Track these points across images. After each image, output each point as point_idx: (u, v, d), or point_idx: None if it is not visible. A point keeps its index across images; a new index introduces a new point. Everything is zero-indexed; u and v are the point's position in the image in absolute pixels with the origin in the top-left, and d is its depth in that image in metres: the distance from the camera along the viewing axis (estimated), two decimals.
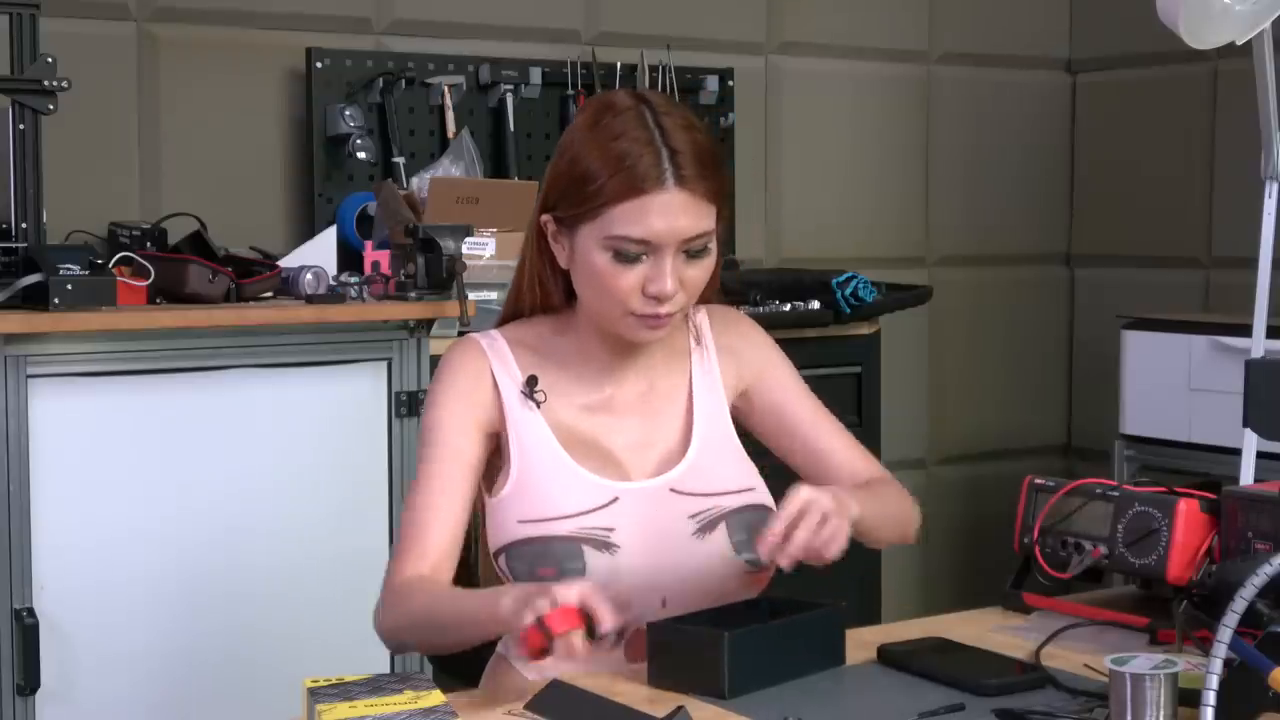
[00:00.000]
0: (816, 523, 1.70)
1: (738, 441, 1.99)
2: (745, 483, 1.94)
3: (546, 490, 1.87)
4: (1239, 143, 3.98)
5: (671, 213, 1.80)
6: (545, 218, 1.89)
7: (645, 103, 1.85)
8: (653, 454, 1.93)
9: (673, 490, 1.90)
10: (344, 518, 3.02)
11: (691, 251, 1.83)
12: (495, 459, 1.93)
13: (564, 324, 1.95)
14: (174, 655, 2.86)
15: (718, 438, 1.97)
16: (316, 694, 1.53)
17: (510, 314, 2.00)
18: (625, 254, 1.81)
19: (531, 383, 1.91)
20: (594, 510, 1.86)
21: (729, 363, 2.01)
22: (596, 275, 1.83)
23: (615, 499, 1.87)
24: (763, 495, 1.95)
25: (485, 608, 1.71)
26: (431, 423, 1.91)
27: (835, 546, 1.71)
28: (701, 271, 1.86)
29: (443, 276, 3.04)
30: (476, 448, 1.90)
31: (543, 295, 1.95)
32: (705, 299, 1.97)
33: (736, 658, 1.65)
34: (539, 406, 1.91)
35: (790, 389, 2.04)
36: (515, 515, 1.87)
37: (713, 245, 1.86)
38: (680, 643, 1.70)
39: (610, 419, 1.93)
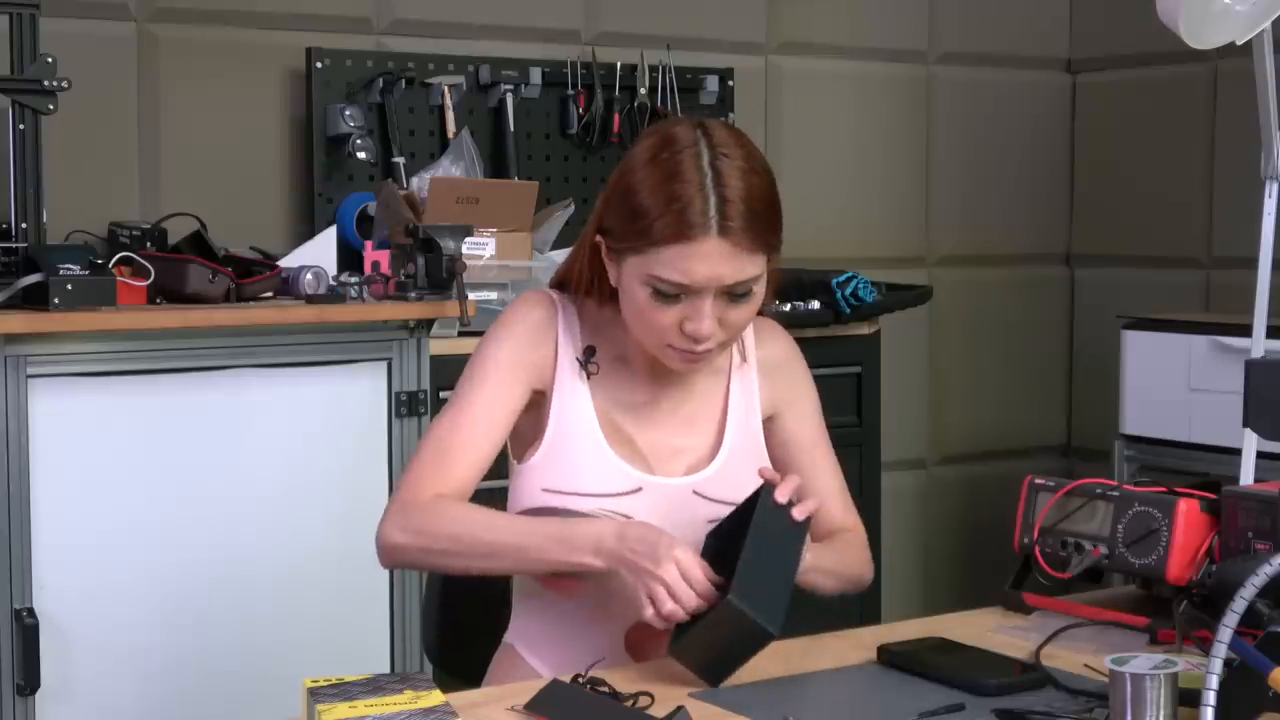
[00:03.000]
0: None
1: (767, 455, 2.00)
2: None
3: (575, 464, 1.89)
4: (1239, 143, 3.97)
5: (713, 261, 1.79)
6: (599, 238, 1.89)
7: (707, 139, 1.83)
8: (682, 459, 1.95)
9: (695, 493, 1.92)
10: (344, 518, 3.02)
11: (734, 294, 1.83)
12: (527, 423, 1.93)
13: (621, 317, 1.95)
14: (174, 655, 2.86)
15: (747, 449, 1.98)
16: (316, 694, 1.53)
17: (558, 284, 2.01)
18: (664, 293, 1.82)
19: (589, 353, 1.93)
20: (616, 495, 1.87)
21: (767, 382, 2.02)
22: (637, 308, 1.85)
23: (639, 489, 1.89)
24: None
25: (559, 545, 1.77)
26: (486, 357, 1.92)
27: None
28: (744, 313, 1.86)
29: (443, 276, 3.04)
30: (520, 397, 1.91)
31: (587, 292, 1.96)
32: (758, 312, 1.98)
33: (754, 601, 1.66)
34: (589, 379, 1.92)
35: (809, 426, 2.05)
36: (540, 483, 1.89)
37: (759, 287, 1.85)
38: (709, 640, 1.70)
39: (646, 419, 1.95)
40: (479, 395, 1.90)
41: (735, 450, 1.96)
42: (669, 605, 1.70)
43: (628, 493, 1.88)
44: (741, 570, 1.68)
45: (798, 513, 1.77)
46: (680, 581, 1.70)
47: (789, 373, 2.05)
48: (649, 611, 1.71)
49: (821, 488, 2.02)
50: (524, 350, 1.92)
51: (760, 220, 1.82)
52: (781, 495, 1.77)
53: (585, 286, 1.95)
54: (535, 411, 1.93)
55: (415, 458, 1.91)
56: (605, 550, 1.75)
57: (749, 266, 1.82)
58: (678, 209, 1.79)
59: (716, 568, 1.73)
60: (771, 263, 1.86)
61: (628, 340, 1.94)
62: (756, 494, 1.79)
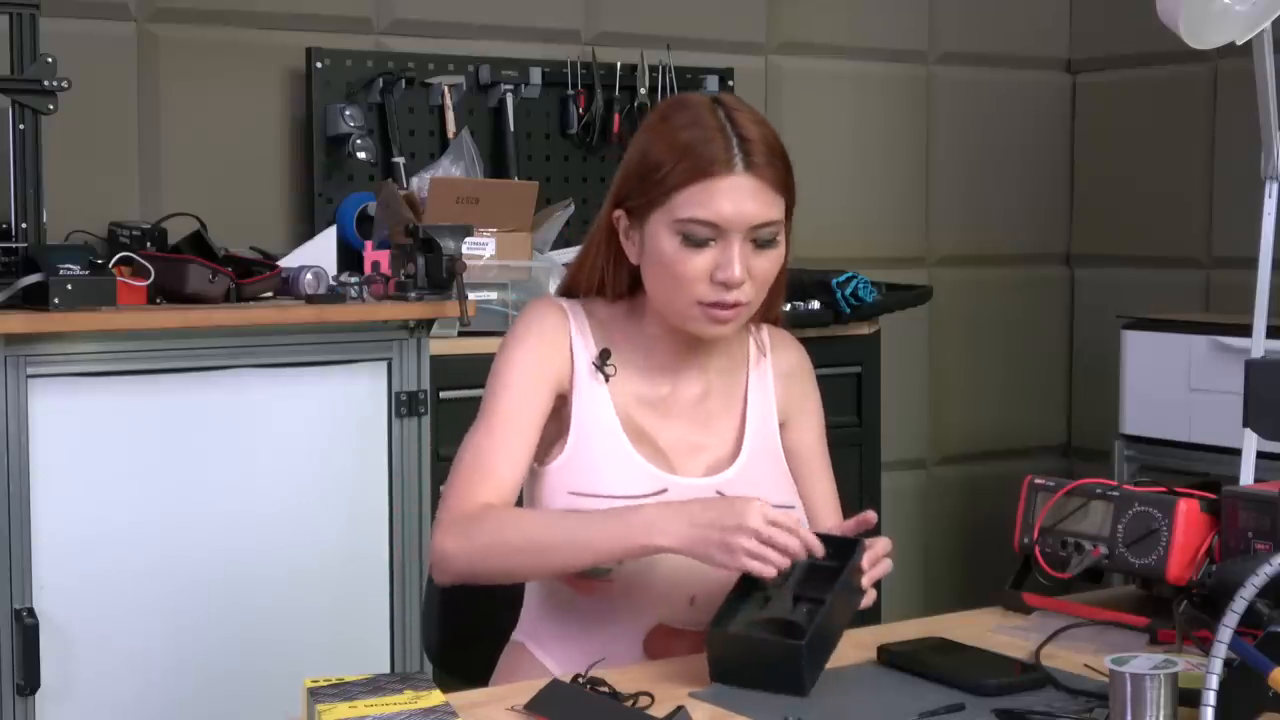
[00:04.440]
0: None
1: (784, 458, 2.00)
2: (787, 499, 1.95)
3: (600, 467, 1.89)
4: (1239, 143, 3.97)
5: (739, 197, 1.81)
6: (618, 213, 1.90)
7: (716, 99, 1.89)
8: (702, 457, 1.95)
9: (719, 494, 1.90)
10: (344, 517, 3.02)
11: (760, 240, 1.84)
12: (548, 426, 1.93)
13: (635, 312, 1.96)
14: (174, 654, 2.86)
15: (767, 451, 1.98)
16: (316, 694, 1.53)
17: (565, 291, 2.02)
18: (693, 237, 1.82)
19: (605, 355, 1.92)
20: (642, 497, 1.86)
21: (781, 388, 2.02)
22: (665, 261, 1.84)
23: (664, 490, 1.88)
24: (800, 515, 1.95)
25: (623, 531, 1.75)
26: (507, 366, 1.91)
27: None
28: (770, 263, 1.87)
29: (443, 276, 3.04)
30: (546, 400, 1.91)
31: (598, 288, 1.96)
32: (774, 319, 2.00)
33: (812, 657, 1.66)
34: (608, 381, 1.92)
35: (813, 438, 2.06)
36: (566, 486, 1.88)
37: (781, 238, 1.88)
38: (751, 653, 1.70)
39: (665, 417, 1.94)
40: (506, 405, 1.89)
41: (755, 452, 1.96)
42: (772, 552, 1.69)
43: (653, 494, 1.87)
44: (820, 621, 1.68)
45: (866, 581, 1.77)
46: (765, 522, 1.70)
47: (801, 383, 2.06)
48: (748, 560, 1.69)
49: (817, 499, 2.04)
50: (541, 356, 1.91)
51: (779, 162, 1.86)
52: (867, 563, 1.76)
53: (596, 284, 1.95)
54: (556, 416, 1.93)
55: (454, 474, 1.89)
56: (671, 531, 1.74)
57: (773, 208, 1.84)
58: (698, 150, 1.81)
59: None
60: (788, 224, 1.88)
61: (643, 335, 1.94)
62: (849, 542, 1.77)
